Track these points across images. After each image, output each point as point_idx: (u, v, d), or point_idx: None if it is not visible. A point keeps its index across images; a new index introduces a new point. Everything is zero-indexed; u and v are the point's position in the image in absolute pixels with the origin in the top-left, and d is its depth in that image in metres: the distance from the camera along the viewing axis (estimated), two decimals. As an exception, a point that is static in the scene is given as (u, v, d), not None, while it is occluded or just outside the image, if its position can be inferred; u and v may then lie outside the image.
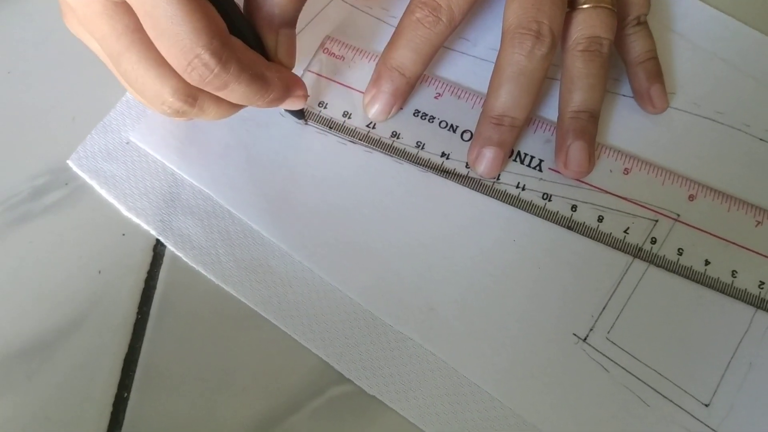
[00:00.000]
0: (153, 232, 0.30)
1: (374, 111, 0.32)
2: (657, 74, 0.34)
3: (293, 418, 0.27)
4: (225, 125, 0.32)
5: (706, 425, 0.28)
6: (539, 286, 0.30)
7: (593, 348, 0.29)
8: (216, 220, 0.30)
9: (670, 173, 0.32)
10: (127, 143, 0.32)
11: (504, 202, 0.31)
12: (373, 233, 0.30)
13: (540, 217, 0.31)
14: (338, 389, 0.28)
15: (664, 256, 0.30)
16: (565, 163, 0.31)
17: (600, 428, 0.27)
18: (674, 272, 0.30)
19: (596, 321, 0.29)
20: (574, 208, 0.31)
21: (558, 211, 0.31)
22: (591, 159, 0.31)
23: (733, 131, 0.34)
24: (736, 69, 0.36)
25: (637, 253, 0.30)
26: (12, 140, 0.32)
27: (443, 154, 0.32)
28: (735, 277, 0.30)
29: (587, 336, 0.29)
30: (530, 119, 0.33)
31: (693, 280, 0.30)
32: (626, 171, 0.32)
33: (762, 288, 0.30)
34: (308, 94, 0.29)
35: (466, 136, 0.32)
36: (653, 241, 0.30)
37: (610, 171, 0.32)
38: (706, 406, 0.28)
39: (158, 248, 0.30)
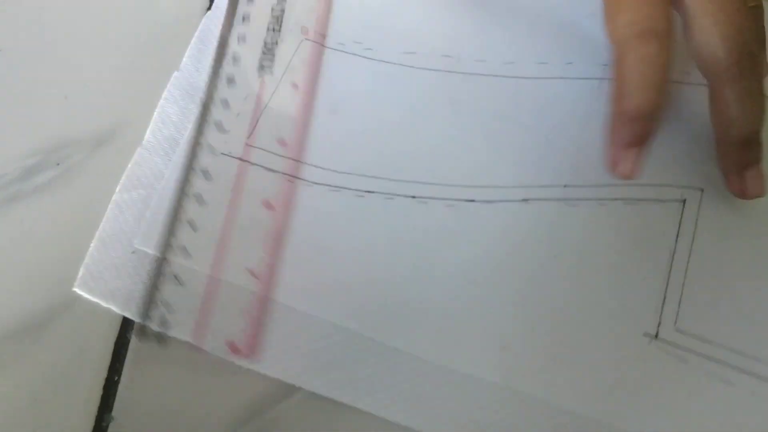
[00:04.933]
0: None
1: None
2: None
3: (286, 402, 0.27)
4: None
5: None
6: (597, 296, 0.28)
7: (666, 343, 0.28)
8: None
9: None
10: (133, 253, 0.28)
11: None
12: (422, 285, 0.28)
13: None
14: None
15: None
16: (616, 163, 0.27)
17: (692, 419, 0.27)
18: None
19: (661, 314, 0.28)
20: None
21: None
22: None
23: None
24: None
25: None
26: (2, 119, 0.31)
27: None
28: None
29: (657, 332, 0.28)
30: None
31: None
32: None
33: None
34: None
35: None
36: None
37: None
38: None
39: (150, 228, 0.30)
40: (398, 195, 0.29)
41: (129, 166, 0.29)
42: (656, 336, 0.28)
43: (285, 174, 0.29)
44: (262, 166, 0.29)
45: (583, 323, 0.28)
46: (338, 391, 0.27)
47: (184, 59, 0.31)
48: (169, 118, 0.30)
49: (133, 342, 0.27)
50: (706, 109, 0.30)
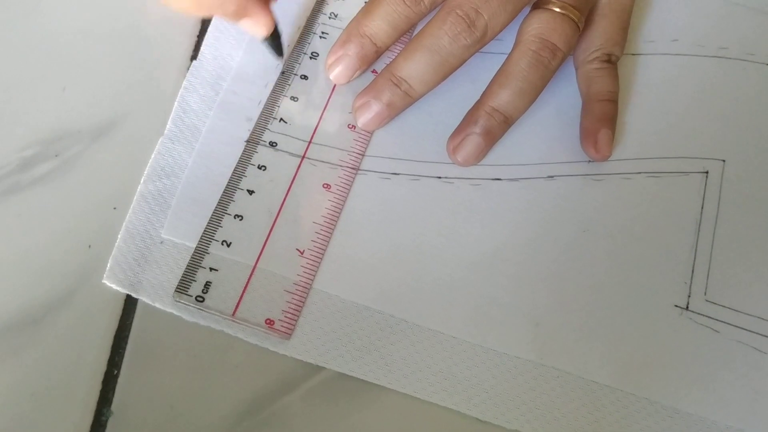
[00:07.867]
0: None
1: (336, 72, 0.30)
2: (611, 119, 0.31)
3: (286, 398, 0.26)
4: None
5: None
6: (626, 269, 0.28)
7: (697, 314, 0.28)
8: None
9: None
10: (161, 243, 0.27)
11: None
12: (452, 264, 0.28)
13: None
14: (333, 370, 0.26)
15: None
16: (456, 148, 0.29)
17: (725, 388, 0.27)
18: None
19: (690, 286, 0.28)
20: None
21: None
22: (481, 157, 0.30)
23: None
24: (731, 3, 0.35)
25: None
26: (0, 110, 0.30)
27: None
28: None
29: (688, 303, 0.28)
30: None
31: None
32: None
33: None
34: (270, 28, 0.29)
35: None
36: None
37: None
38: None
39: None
40: (424, 176, 0.29)
41: (152, 156, 0.29)
42: (687, 307, 0.28)
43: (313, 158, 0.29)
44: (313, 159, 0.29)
45: (614, 297, 0.28)
46: (374, 373, 0.26)
47: (203, 48, 0.31)
48: (190, 106, 0.29)
49: (133, 336, 0.26)
50: (722, 82, 0.33)
